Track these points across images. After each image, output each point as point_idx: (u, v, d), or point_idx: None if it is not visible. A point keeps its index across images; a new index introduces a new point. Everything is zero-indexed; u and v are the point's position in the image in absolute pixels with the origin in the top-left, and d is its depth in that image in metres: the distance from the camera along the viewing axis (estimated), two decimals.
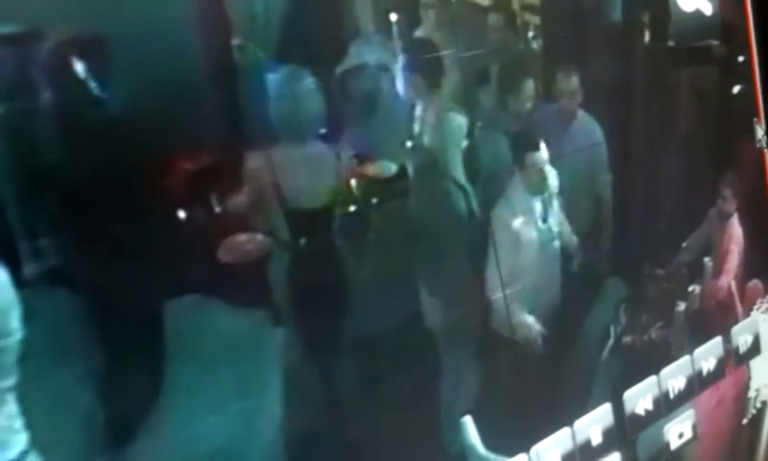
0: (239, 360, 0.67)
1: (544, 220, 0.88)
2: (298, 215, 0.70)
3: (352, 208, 0.74)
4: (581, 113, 0.92)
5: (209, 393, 0.66)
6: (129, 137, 0.61)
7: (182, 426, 0.65)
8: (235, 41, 0.67)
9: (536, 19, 0.87)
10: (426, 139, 0.80)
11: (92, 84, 0.60)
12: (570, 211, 0.91)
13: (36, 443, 0.58)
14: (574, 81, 0.90)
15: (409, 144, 0.78)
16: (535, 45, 0.88)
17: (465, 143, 0.82)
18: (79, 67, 0.60)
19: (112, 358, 0.62)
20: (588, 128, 0.93)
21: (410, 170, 0.78)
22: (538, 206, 0.88)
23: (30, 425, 0.58)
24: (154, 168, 0.62)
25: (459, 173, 0.82)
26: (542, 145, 0.87)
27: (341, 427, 0.75)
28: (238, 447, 0.68)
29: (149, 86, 0.61)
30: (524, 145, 0.86)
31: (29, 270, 0.57)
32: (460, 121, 0.82)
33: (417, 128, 0.79)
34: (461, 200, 0.83)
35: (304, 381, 0.73)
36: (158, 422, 0.63)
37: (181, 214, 0.64)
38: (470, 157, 0.82)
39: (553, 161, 0.88)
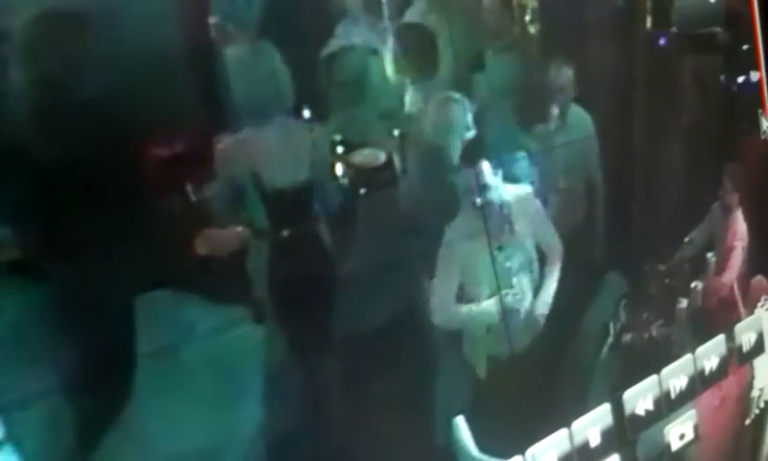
0: (217, 359, 0.65)
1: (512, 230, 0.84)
2: (279, 205, 0.68)
3: (338, 199, 0.72)
4: (573, 106, 0.89)
5: (185, 392, 0.64)
6: (98, 121, 0.58)
7: (158, 427, 0.63)
8: (213, 20, 0.64)
9: (533, 1, 0.85)
10: (419, 127, 0.78)
11: (59, 64, 0.57)
12: (566, 206, 0.88)
13: (11, 436, 0.57)
14: (567, 72, 0.87)
15: (396, 132, 0.76)
16: (531, 29, 0.85)
17: (467, 133, 0.80)
18: (47, 45, 0.57)
19: (84, 355, 0.59)
20: (581, 121, 0.90)
21: (400, 159, 0.76)
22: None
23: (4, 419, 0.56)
24: (125, 153, 0.60)
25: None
26: (487, 173, 0.80)
27: (326, 428, 0.74)
28: (217, 449, 0.66)
29: (120, 67, 0.59)
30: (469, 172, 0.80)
31: None
32: (457, 109, 0.79)
33: (408, 115, 0.77)
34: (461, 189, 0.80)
35: (287, 380, 0.71)
36: (132, 421, 0.61)
37: (155, 203, 0.61)
38: (472, 147, 0.80)
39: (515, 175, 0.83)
